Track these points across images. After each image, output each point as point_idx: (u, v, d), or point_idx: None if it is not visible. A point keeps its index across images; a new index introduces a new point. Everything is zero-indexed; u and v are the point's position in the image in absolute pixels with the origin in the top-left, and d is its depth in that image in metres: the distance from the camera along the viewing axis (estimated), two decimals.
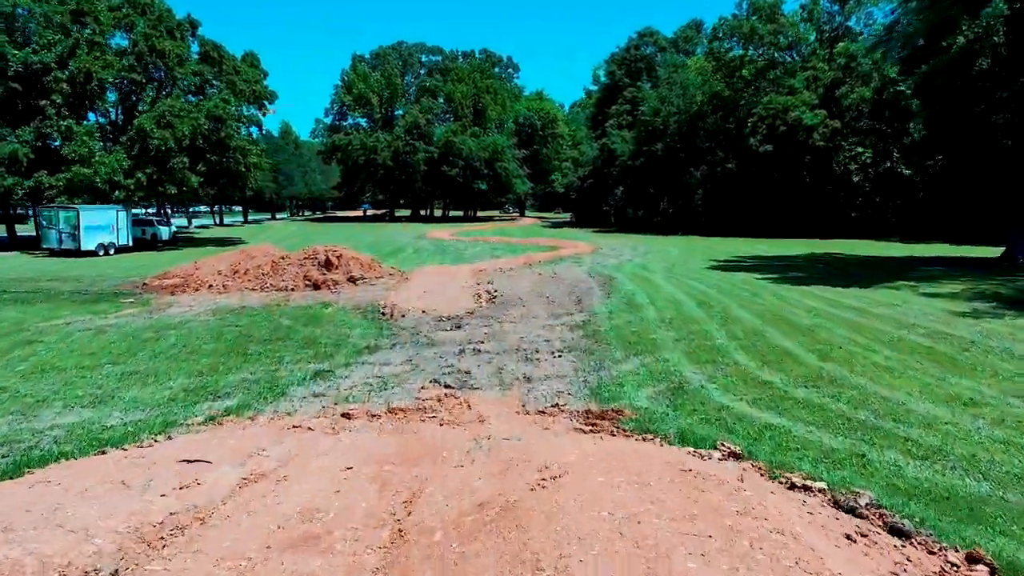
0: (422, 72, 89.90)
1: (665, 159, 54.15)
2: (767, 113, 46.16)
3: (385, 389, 9.04)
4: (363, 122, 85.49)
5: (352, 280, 19.75)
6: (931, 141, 35.23)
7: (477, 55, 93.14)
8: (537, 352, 10.91)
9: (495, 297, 16.68)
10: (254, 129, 49.96)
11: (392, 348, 11.53)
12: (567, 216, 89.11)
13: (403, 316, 14.38)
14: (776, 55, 50.35)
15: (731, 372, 9.63)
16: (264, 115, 49.62)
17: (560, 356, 10.65)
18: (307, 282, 19.30)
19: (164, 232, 42.48)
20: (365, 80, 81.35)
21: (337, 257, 20.35)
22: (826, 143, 43.60)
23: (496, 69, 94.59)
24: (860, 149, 43.86)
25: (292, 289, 19.00)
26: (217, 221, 76.69)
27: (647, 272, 23.03)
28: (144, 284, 20.26)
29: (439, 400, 8.46)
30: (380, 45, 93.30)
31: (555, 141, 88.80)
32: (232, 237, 52.03)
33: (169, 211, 70.55)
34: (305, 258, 20.45)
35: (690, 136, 53.59)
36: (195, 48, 44.43)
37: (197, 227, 68.53)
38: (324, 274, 19.71)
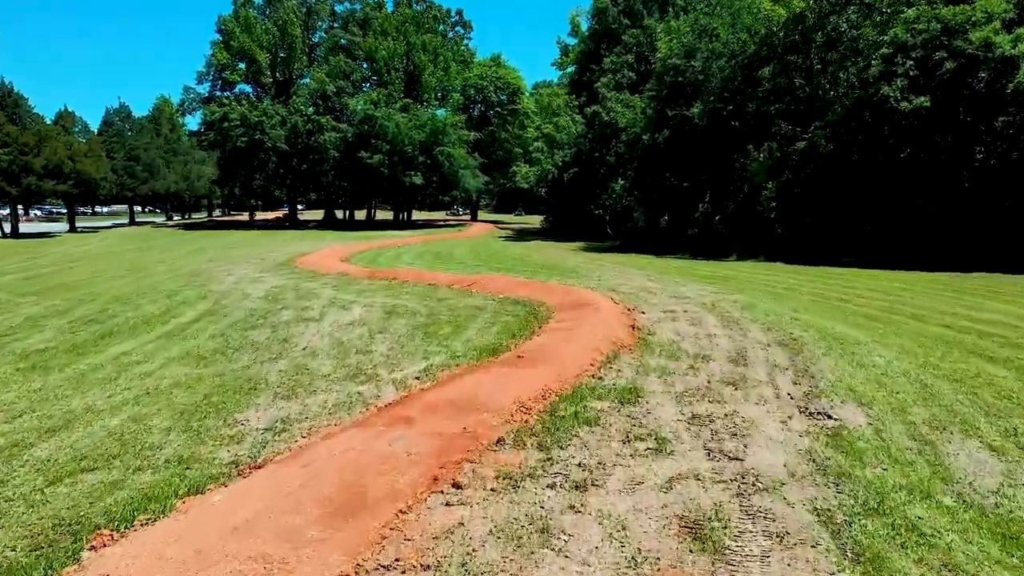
0: (335, 25, 66.19)
1: (705, 133, 32.79)
2: (912, 41, 25.16)
3: None
4: (249, 90, 61.75)
5: None
6: None
7: (414, 5, 69.72)
8: None
9: None
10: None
11: None
12: (538, 222, 66.91)
13: None
14: None
15: None
16: None
17: None
18: None
19: None
20: (249, 30, 57.60)
21: None
22: None
23: (440, 27, 71.70)
24: None
25: None
26: (7, 231, 52.04)
27: None
28: None
29: None
30: None
31: (517, 121, 66.73)
32: None
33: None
34: None
35: (744, 94, 32.38)
36: None
37: None
38: None
